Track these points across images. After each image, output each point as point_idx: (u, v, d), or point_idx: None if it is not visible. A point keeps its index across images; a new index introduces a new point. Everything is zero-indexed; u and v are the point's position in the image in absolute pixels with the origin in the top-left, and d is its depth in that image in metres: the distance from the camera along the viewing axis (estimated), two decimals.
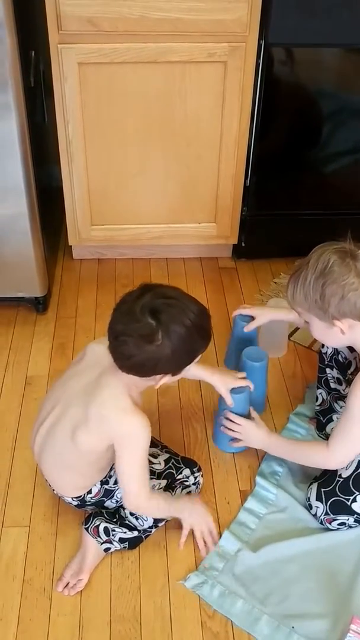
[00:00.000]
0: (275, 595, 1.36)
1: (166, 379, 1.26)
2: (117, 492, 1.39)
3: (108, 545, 1.40)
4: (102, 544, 1.39)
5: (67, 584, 1.37)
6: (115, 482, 1.38)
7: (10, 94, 1.63)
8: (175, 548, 1.44)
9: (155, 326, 1.17)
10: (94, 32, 1.74)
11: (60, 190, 2.05)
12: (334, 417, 1.62)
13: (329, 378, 1.60)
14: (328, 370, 1.59)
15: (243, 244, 2.23)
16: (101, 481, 1.38)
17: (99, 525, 1.40)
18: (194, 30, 1.75)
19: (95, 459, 1.33)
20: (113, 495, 1.40)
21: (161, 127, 1.93)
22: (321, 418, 1.65)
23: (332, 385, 1.60)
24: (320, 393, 1.64)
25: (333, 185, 2.14)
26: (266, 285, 2.19)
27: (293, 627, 1.31)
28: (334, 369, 1.58)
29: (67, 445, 1.31)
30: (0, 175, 1.74)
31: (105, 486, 1.39)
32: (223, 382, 1.52)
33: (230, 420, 1.54)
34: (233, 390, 1.56)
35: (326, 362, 1.59)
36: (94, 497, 1.37)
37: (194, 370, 1.44)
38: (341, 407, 1.60)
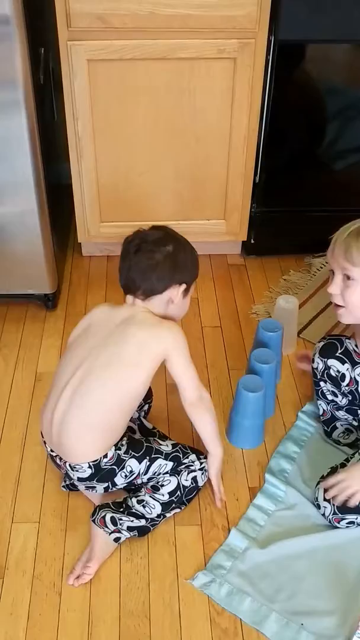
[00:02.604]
0: (284, 592, 1.36)
1: (178, 298, 1.39)
2: (126, 463, 1.40)
3: (117, 535, 1.41)
4: (110, 533, 1.40)
5: (78, 576, 1.38)
6: (126, 452, 1.40)
7: (19, 91, 1.64)
8: (184, 546, 1.44)
9: (163, 235, 1.39)
10: (104, 28, 1.74)
11: (69, 187, 2.06)
12: (338, 424, 1.63)
13: (324, 391, 1.60)
14: (322, 383, 1.60)
15: (252, 241, 2.23)
16: (115, 446, 1.39)
17: (105, 515, 1.41)
18: (203, 27, 1.75)
19: (129, 400, 1.38)
20: (123, 467, 1.40)
21: (170, 124, 1.92)
22: (326, 428, 1.65)
23: (330, 397, 1.60)
24: (320, 404, 1.64)
25: (343, 182, 2.13)
26: (275, 282, 2.19)
27: (302, 624, 1.31)
28: (327, 383, 1.58)
29: (102, 395, 1.34)
30: (10, 172, 1.75)
31: (118, 452, 1.39)
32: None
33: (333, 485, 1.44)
34: (248, 389, 1.58)
35: (319, 377, 1.59)
36: (108, 461, 1.38)
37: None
38: (343, 416, 1.62)
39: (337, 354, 1.54)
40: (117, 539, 1.41)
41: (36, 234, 1.86)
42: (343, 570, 1.40)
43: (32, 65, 1.65)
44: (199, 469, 1.48)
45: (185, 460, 1.47)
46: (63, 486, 1.51)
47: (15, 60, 1.59)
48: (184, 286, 1.39)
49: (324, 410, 1.64)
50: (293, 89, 1.94)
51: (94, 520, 1.41)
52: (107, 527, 1.40)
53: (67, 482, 1.49)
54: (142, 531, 1.43)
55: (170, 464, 1.44)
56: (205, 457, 1.50)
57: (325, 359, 1.56)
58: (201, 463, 1.49)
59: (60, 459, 1.40)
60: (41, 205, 1.82)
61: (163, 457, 1.44)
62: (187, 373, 1.40)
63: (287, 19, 1.76)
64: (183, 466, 1.46)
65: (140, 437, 1.51)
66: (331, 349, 1.56)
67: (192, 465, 1.47)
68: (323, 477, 1.49)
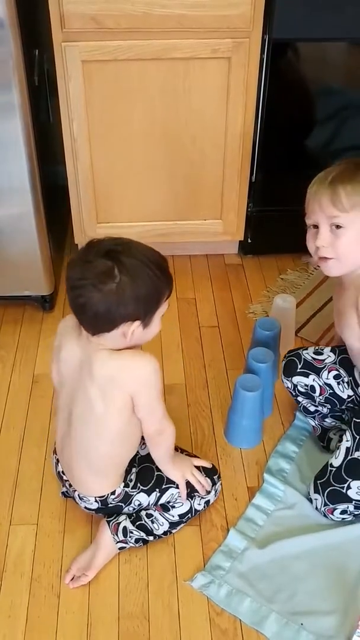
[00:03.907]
0: (284, 593, 1.36)
1: (137, 331, 1.19)
2: (134, 498, 1.39)
3: (123, 544, 1.40)
4: (117, 542, 1.40)
5: (73, 577, 1.38)
6: (134, 486, 1.39)
7: (14, 93, 1.63)
8: (183, 546, 1.44)
9: (111, 264, 1.13)
10: (98, 29, 1.74)
11: (66, 189, 2.05)
12: (330, 435, 1.63)
13: (305, 405, 1.60)
14: (300, 399, 1.60)
15: (249, 241, 2.23)
16: (124, 482, 1.38)
17: (120, 522, 1.40)
18: (197, 27, 1.75)
19: (124, 440, 1.32)
20: (131, 503, 1.39)
21: (166, 124, 1.92)
22: (322, 443, 1.64)
23: (312, 409, 1.60)
24: (309, 421, 1.65)
25: None
26: (273, 282, 2.19)
27: (302, 624, 1.30)
28: (302, 397, 1.58)
29: (94, 445, 1.30)
30: (5, 175, 1.74)
31: (126, 489, 1.38)
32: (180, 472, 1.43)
33: None
34: (246, 388, 1.58)
35: (293, 395, 1.60)
36: (115, 498, 1.37)
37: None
38: (331, 423, 1.61)
39: (299, 370, 1.54)
40: (121, 548, 1.41)
41: (32, 235, 1.86)
42: (343, 569, 1.39)
43: (26, 68, 1.65)
44: (213, 494, 1.47)
45: (194, 492, 1.43)
46: (62, 492, 1.50)
47: (9, 63, 1.59)
48: (137, 323, 1.18)
49: (313, 426, 1.64)
50: (288, 87, 1.94)
51: (109, 522, 1.40)
52: (117, 535, 1.39)
53: (66, 489, 1.48)
54: (146, 542, 1.43)
55: (184, 491, 1.41)
56: (219, 478, 1.49)
57: (290, 378, 1.56)
58: (215, 488, 1.47)
59: (71, 485, 1.40)
60: (37, 207, 1.82)
61: (175, 486, 1.40)
62: (152, 413, 1.29)
63: (281, 18, 1.76)
64: (196, 492, 1.43)
65: (150, 463, 1.42)
66: (291, 367, 1.55)
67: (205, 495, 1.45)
68: (317, 474, 1.49)
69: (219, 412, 1.75)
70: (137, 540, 1.41)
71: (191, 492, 1.42)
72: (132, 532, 1.39)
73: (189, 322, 2.03)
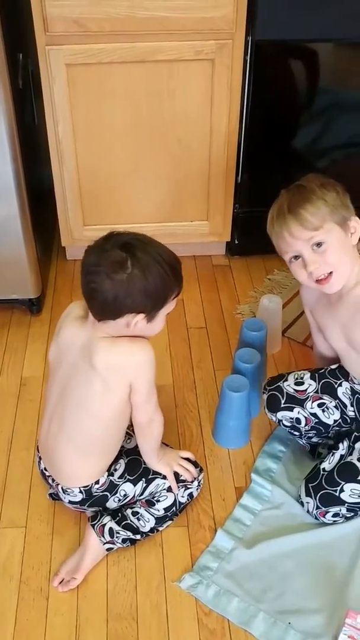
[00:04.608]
0: (271, 592, 1.36)
1: (141, 323, 1.23)
2: (120, 488, 1.40)
3: (110, 545, 1.41)
4: (104, 543, 1.40)
5: (62, 580, 1.38)
6: (120, 477, 1.39)
7: None
8: (171, 547, 1.44)
9: (125, 256, 1.18)
10: (81, 33, 1.74)
11: (52, 191, 2.05)
12: (319, 449, 1.62)
13: (290, 430, 1.57)
14: (285, 428, 1.57)
15: (236, 241, 2.24)
16: (108, 471, 1.38)
17: (105, 524, 1.40)
18: (180, 29, 1.75)
19: (114, 424, 1.33)
20: (116, 492, 1.40)
21: (151, 126, 1.93)
22: (312, 457, 1.63)
23: (297, 433, 1.57)
24: (297, 441, 1.63)
25: None
26: (260, 282, 2.20)
27: (290, 623, 1.31)
28: (288, 428, 1.57)
29: (85, 427, 1.32)
30: None
31: (111, 478, 1.39)
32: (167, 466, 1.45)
33: None
34: (232, 389, 1.58)
35: (280, 425, 1.57)
36: (99, 487, 1.38)
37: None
38: (319, 441, 1.59)
39: (282, 405, 1.52)
40: (109, 549, 1.41)
41: (18, 238, 1.85)
42: (330, 568, 1.40)
43: (10, 71, 1.65)
44: (196, 486, 1.48)
45: (183, 477, 1.45)
46: (49, 494, 1.51)
47: None
48: (141, 315, 1.23)
49: (301, 445, 1.63)
50: (272, 88, 1.95)
51: (93, 526, 1.41)
52: (103, 536, 1.40)
53: (52, 491, 1.48)
54: (134, 542, 1.43)
55: (168, 483, 1.43)
56: (201, 471, 1.50)
57: (275, 414, 1.54)
58: (198, 480, 1.48)
59: (53, 480, 1.40)
60: (22, 209, 1.82)
61: (161, 477, 1.42)
62: (148, 400, 1.32)
63: (264, 20, 1.77)
64: (180, 483, 1.45)
65: (137, 455, 1.44)
66: (275, 402, 1.53)
67: (189, 484, 1.46)
68: (307, 475, 1.49)
69: (207, 413, 1.75)
70: (124, 540, 1.41)
71: (179, 481, 1.44)
72: (118, 533, 1.40)
73: (177, 324, 2.03)
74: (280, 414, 1.54)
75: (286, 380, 1.55)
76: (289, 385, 1.54)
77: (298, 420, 1.53)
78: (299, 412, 1.52)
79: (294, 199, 1.34)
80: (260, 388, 1.75)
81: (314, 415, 1.51)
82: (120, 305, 1.20)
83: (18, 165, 1.76)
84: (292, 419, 1.53)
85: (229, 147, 1.99)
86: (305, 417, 1.52)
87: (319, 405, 1.51)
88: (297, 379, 1.54)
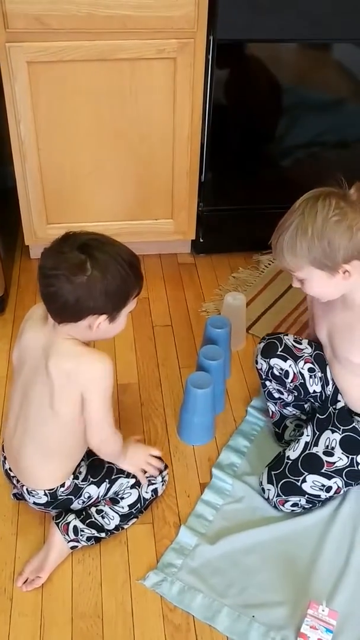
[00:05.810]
0: (235, 587, 1.37)
1: (103, 324, 1.22)
2: (84, 490, 1.40)
3: (75, 543, 1.41)
4: (69, 542, 1.40)
5: (27, 579, 1.37)
6: (84, 480, 1.39)
7: None
8: (136, 544, 1.45)
9: (84, 257, 1.16)
10: (42, 30, 1.73)
11: (14, 190, 2.04)
12: (287, 422, 1.65)
13: (270, 390, 1.61)
14: (267, 383, 1.59)
15: (201, 240, 2.25)
16: (73, 474, 1.38)
17: (70, 522, 1.40)
18: (142, 27, 1.76)
19: (75, 431, 1.32)
20: (81, 495, 1.40)
21: (114, 125, 1.93)
22: (277, 429, 1.67)
23: (276, 395, 1.61)
24: (269, 406, 1.65)
25: (289, 179, 2.15)
26: (225, 280, 2.21)
27: (253, 616, 1.33)
28: (272, 382, 1.58)
29: (47, 431, 1.31)
30: None
31: (76, 481, 1.38)
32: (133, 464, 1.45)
33: None
34: (196, 385, 1.59)
35: (264, 377, 1.59)
36: (65, 490, 1.37)
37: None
38: (291, 412, 1.63)
39: (278, 352, 1.55)
40: (73, 547, 1.41)
41: None
42: (293, 560, 1.42)
43: None
44: (160, 482, 1.49)
45: (147, 475, 1.46)
46: (13, 494, 1.50)
47: None
48: (104, 316, 1.21)
49: (272, 412, 1.65)
50: (234, 87, 1.96)
51: (57, 524, 1.40)
52: (67, 535, 1.40)
53: (16, 491, 1.48)
54: (99, 540, 1.43)
55: (132, 481, 1.43)
56: (166, 468, 1.51)
57: (268, 359, 1.56)
58: (162, 477, 1.49)
59: (18, 480, 1.39)
60: None
61: (125, 475, 1.43)
62: (102, 420, 1.30)
63: (225, 20, 1.78)
64: (150, 477, 1.46)
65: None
66: (272, 348, 1.55)
67: (153, 479, 1.47)
68: (271, 462, 1.51)
69: (172, 410, 1.76)
70: (88, 539, 1.41)
71: (138, 481, 1.44)
72: (82, 531, 1.40)
73: (143, 322, 2.04)
74: (273, 361, 1.54)
75: (286, 335, 1.57)
76: (288, 339, 1.56)
77: (287, 374, 1.54)
78: (290, 366, 1.53)
79: (288, 230, 1.29)
80: (224, 385, 1.76)
81: (302, 375, 1.53)
82: (82, 308, 1.19)
83: None
84: (282, 370, 1.54)
85: (192, 145, 1.99)
86: (294, 373, 1.53)
87: (309, 370, 1.52)
88: (296, 339, 1.57)
